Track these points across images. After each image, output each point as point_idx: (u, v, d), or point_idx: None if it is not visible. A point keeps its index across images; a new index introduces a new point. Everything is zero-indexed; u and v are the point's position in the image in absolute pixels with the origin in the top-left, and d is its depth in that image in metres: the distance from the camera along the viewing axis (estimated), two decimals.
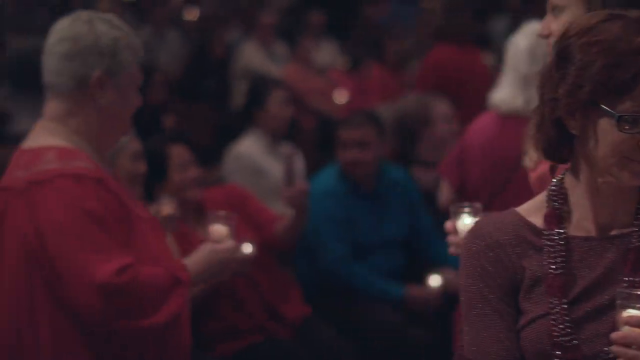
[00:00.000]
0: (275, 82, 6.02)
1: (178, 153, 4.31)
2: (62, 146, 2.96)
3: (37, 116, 3.15)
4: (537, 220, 2.02)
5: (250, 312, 4.26)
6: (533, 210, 2.04)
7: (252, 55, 9.06)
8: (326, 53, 10.84)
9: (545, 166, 2.56)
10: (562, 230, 1.98)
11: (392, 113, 5.41)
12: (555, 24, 2.53)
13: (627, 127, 1.87)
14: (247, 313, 4.25)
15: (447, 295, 4.73)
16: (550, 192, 2.03)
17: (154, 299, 2.92)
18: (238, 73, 8.94)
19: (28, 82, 7.01)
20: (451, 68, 6.49)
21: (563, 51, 1.96)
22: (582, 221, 1.99)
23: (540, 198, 2.06)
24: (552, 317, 1.93)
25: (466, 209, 2.63)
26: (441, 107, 5.33)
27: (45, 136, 3.02)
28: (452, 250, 2.61)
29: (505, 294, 1.99)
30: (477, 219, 2.56)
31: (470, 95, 6.28)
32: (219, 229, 3.31)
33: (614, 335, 1.84)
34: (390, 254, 4.81)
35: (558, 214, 2.00)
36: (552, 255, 1.97)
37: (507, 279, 2.00)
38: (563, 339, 1.91)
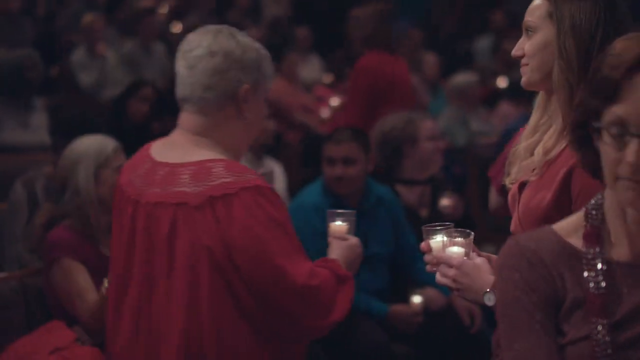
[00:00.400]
0: None
1: None
2: (222, 159, 3.03)
3: (22, 126, 3.14)
4: (577, 242, 1.98)
5: None
6: (571, 230, 2.00)
7: None
8: (311, 68, 10.87)
9: (515, 185, 2.60)
10: (602, 251, 1.94)
11: (377, 130, 5.41)
12: (528, 45, 2.58)
13: (611, 141, 1.86)
14: None
15: (429, 312, 4.75)
16: (588, 211, 1.99)
17: (330, 297, 3.02)
18: None
19: (13, 93, 7.04)
20: (380, 75, 6.68)
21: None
22: (618, 245, 1.95)
23: (577, 217, 2.02)
24: (595, 338, 1.89)
25: (438, 228, 2.63)
26: (427, 125, 5.34)
27: (199, 150, 3.05)
28: (428, 268, 2.62)
29: (548, 311, 1.95)
30: (449, 238, 2.59)
31: (397, 101, 6.55)
32: (340, 227, 3.36)
33: None
34: (374, 271, 4.81)
35: (597, 233, 1.96)
36: (593, 276, 1.93)
37: (549, 296, 1.95)
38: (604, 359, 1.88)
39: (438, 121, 7.44)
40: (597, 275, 1.92)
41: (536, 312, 1.95)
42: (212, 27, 3.11)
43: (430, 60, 10.29)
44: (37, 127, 7.20)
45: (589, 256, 1.94)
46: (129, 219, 3.06)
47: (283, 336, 3.05)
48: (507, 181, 2.68)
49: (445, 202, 5.20)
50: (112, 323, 3.15)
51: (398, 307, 4.77)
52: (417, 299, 4.75)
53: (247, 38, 3.11)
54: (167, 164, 3.06)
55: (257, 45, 3.12)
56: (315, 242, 4.68)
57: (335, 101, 8.60)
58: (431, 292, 4.78)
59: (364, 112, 6.60)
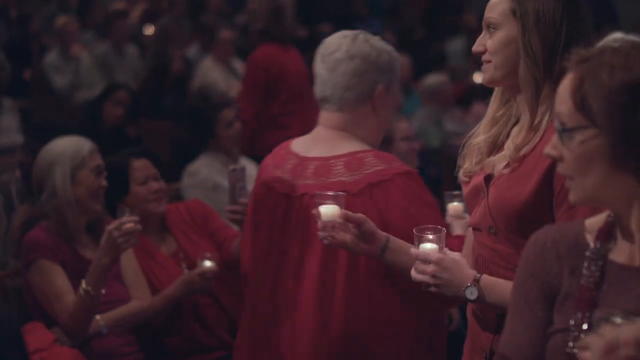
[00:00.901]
0: (218, 106, 6.03)
1: (139, 167, 4.31)
2: (370, 149, 3.23)
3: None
4: (592, 237, 1.98)
5: (213, 328, 4.25)
6: (594, 226, 1.99)
7: (210, 71, 9.07)
8: None
9: (479, 178, 2.61)
10: (604, 249, 1.94)
11: None
12: (490, 42, 2.57)
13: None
14: (210, 330, 4.25)
15: None
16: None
17: None
18: (196, 89, 8.95)
19: None
20: (274, 67, 6.81)
21: None
22: (621, 246, 1.93)
23: (605, 214, 2.00)
24: (572, 330, 1.90)
25: (429, 235, 2.62)
26: (401, 126, 5.37)
27: (345, 143, 3.25)
28: (412, 273, 2.60)
29: (541, 299, 1.99)
30: (439, 245, 2.58)
31: (291, 93, 6.79)
32: (457, 207, 3.61)
33: None
34: None
35: (609, 231, 1.95)
36: (589, 271, 1.93)
37: (545, 285, 1.99)
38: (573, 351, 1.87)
39: (412, 122, 7.47)
40: (592, 271, 1.92)
41: (529, 296, 2.00)
42: (349, 32, 3.33)
43: (403, 62, 10.30)
44: (6, 129, 7.17)
45: (592, 252, 1.94)
46: (282, 212, 3.27)
47: (430, 305, 3.17)
48: (460, 173, 2.69)
49: None
50: (265, 325, 3.34)
51: None
52: None
53: (380, 42, 3.32)
54: (316, 158, 3.25)
55: (389, 47, 3.34)
56: None
57: None
58: None
59: (256, 104, 6.76)
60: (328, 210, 2.82)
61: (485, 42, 2.59)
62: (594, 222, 1.99)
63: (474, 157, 2.65)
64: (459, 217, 3.56)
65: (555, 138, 1.90)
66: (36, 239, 3.89)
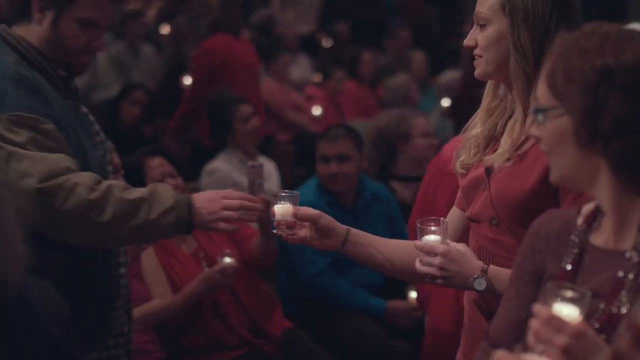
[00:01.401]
0: (235, 101, 6.03)
1: (155, 165, 4.32)
2: None
3: None
4: (581, 221, 2.01)
5: (234, 326, 4.26)
6: (586, 210, 2.02)
7: None
8: (300, 68, 10.87)
9: (480, 170, 2.60)
10: (587, 232, 1.97)
11: (371, 127, 5.42)
12: (481, 37, 2.58)
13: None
14: (231, 328, 4.26)
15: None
16: None
17: None
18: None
19: None
20: (229, 55, 7.11)
21: None
22: (603, 229, 1.96)
23: None
24: None
25: (432, 227, 2.61)
26: (419, 122, 5.36)
27: None
28: (417, 265, 2.57)
29: (533, 285, 2.02)
30: (442, 237, 2.57)
31: (242, 80, 7.05)
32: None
33: None
34: (370, 268, 4.81)
35: (594, 215, 1.98)
36: (570, 254, 1.96)
37: (531, 268, 2.03)
38: None
39: (429, 118, 7.45)
40: (572, 253, 1.95)
41: (519, 282, 2.05)
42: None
43: (419, 58, 10.31)
44: None
45: (574, 235, 1.97)
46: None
47: None
48: (457, 165, 2.68)
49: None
50: None
51: (396, 303, 4.78)
52: (414, 294, 4.76)
53: None
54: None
55: None
56: None
57: (317, 110, 8.69)
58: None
59: (204, 91, 6.94)
60: (280, 210, 2.76)
61: (476, 37, 2.59)
62: (588, 206, 2.02)
63: (471, 150, 2.65)
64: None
65: (532, 118, 1.95)
66: None
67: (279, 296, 4.73)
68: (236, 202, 2.97)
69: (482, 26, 2.58)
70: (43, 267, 2.79)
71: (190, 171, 5.90)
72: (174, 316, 4.14)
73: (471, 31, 2.61)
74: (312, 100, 9.16)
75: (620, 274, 1.87)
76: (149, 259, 4.09)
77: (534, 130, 1.94)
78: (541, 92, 1.91)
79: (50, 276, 2.78)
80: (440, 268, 2.50)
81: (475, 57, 2.61)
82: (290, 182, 6.74)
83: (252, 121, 5.86)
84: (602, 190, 1.89)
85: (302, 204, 4.84)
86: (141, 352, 3.96)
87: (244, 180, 5.38)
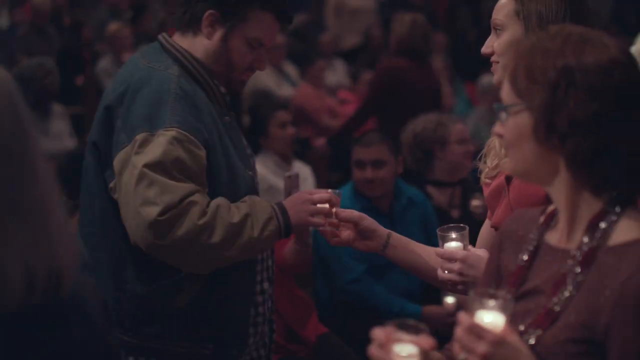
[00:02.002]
0: (274, 106, 6.04)
1: None
2: None
3: (41, 134, 3.17)
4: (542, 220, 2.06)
5: None
6: (552, 210, 2.06)
7: (263, 76, 9.10)
8: (335, 73, 10.88)
9: (500, 178, 2.62)
10: (543, 231, 2.01)
11: (408, 132, 5.40)
12: (497, 43, 2.60)
13: None
14: None
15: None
16: None
17: None
18: (250, 93, 8.98)
19: (29, 101, 7.11)
20: None
21: None
22: (559, 228, 1.99)
23: None
24: None
25: (453, 233, 2.63)
26: (457, 128, 5.32)
27: None
28: (439, 273, 2.61)
29: (488, 277, 2.11)
30: (463, 244, 2.60)
31: None
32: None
33: None
34: (406, 273, 4.78)
35: (553, 214, 2.02)
36: (524, 251, 2.01)
37: (492, 265, 2.11)
38: None
39: (467, 123, 7.43)
40: (527, 251, 2.00)
41: (484, 275, 2.14)
42: None
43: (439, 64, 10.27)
44: (57, 134, 7.25)
45: (532, 233, 2.02)
46: None
47: None
48: (482, 176, 2.71)
49: (475, 202, 5.18)
50: None
51: (432, 308, 4.76)
52: (450, 299, 4.74)
53: None
54: None
55: None
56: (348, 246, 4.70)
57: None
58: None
59: None
60: (323, 211, 2.85)
61: (493, 44, 2.62)
62: (552, 206, 2.05)
63: (492, 159, 2.68)
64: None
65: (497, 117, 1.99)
66: None
67: (315, 301, 4.72)
68: (321, 209, 2.99)
69: (498, 33, 2.60)
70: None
71: None
72: None
73: (489, 38, 2.65)
74: (345, 104, 9.16)
75: (563, 271, 1.90)
76: None
77: (497, 129, 1.98)
78: (504, 90, 1.95)
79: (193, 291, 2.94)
80: (460, 274, 2.54)
81: (493, 64, 2.63)
82: (325, 187, 6.73)
83: (288, 128, 5.87)
84: (558, 188, 1.93)
85: None
86: None
87: (279, 183, 5.39)
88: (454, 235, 2.61)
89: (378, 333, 1.80)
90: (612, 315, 1.77)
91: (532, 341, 1.86)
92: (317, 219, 2.97)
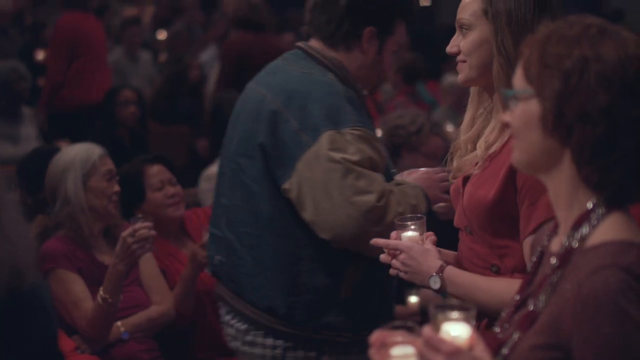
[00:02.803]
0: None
1: (154, 172, 4.30)
2: None
3: (11, 139, 3.15)
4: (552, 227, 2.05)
5: None
6: None
7: None
8: None
9: (460, 178, 2.64)
10: (550, 238, 2.01)
11: (395, 115, 5.36)
12: (464, 43, 2.59)
13: None
14: None
15: (426, 312, 4.71)
16: None
17: None
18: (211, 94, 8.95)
19: (1, 107, 7.08)
20: (79, 30, 7.95)
21: None
22: (559, 233, 1.98)
23: None
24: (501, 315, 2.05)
25: (410, 223, 2.66)
26: (433, 142, 5.22)
27: None
28: (382, 257, 2.68)
29: None
30: (419, 233, 2.63)
31: (92, 54, 7.98)
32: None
33: None
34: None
35: (558, 222, 1.99)
36: (532, 260, 2.04)
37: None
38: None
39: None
40: (534, 260, 2.02)
41: None
42: None
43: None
44: (26, 138, 7.19)
45: (544, 241, 2.02)
46: None
47: None
48: (450, 176, 2.73)
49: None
50: None
51: (397, 308, 4.74)
52: (413, 299, 4.73)
53: None
54: None
55: None
56: None
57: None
58: (427, 292, 4.74)
59: (62, 66, 7.87)
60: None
61: (459, 43, 2.61)
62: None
63: (457, 160, 2.68)
64: None
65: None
66: (53, 248, 3.88)
67: None
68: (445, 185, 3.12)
69: (464, 32, 2.59)
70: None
71: (188, 177, 5.88)
72: (179, 309, 4.08)
73: (453, 38, 2.64)
74: None
75: (545, 274, 1.92)
76: (147, 265, 4.03)
77: (505, 117, 1.95)
78: (516, 77, 1.93)
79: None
80: (402, 263, 2.58)
81: (458, 63, 2.62)
82: None
83: None
84: (559, 184, 1.91)
85: None
86: None
87: None
88: (411, 225, 2.65)
89: (375, 336, 1.80)
90: (573, 315, 1.77)
91: (505, 351, 1.88)
92: (445, 195, 3.08)
